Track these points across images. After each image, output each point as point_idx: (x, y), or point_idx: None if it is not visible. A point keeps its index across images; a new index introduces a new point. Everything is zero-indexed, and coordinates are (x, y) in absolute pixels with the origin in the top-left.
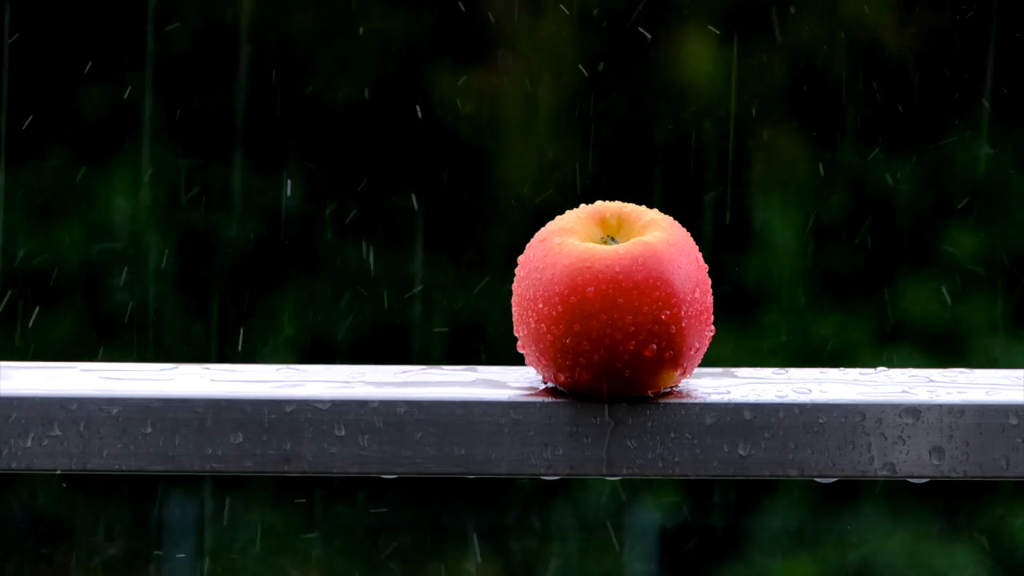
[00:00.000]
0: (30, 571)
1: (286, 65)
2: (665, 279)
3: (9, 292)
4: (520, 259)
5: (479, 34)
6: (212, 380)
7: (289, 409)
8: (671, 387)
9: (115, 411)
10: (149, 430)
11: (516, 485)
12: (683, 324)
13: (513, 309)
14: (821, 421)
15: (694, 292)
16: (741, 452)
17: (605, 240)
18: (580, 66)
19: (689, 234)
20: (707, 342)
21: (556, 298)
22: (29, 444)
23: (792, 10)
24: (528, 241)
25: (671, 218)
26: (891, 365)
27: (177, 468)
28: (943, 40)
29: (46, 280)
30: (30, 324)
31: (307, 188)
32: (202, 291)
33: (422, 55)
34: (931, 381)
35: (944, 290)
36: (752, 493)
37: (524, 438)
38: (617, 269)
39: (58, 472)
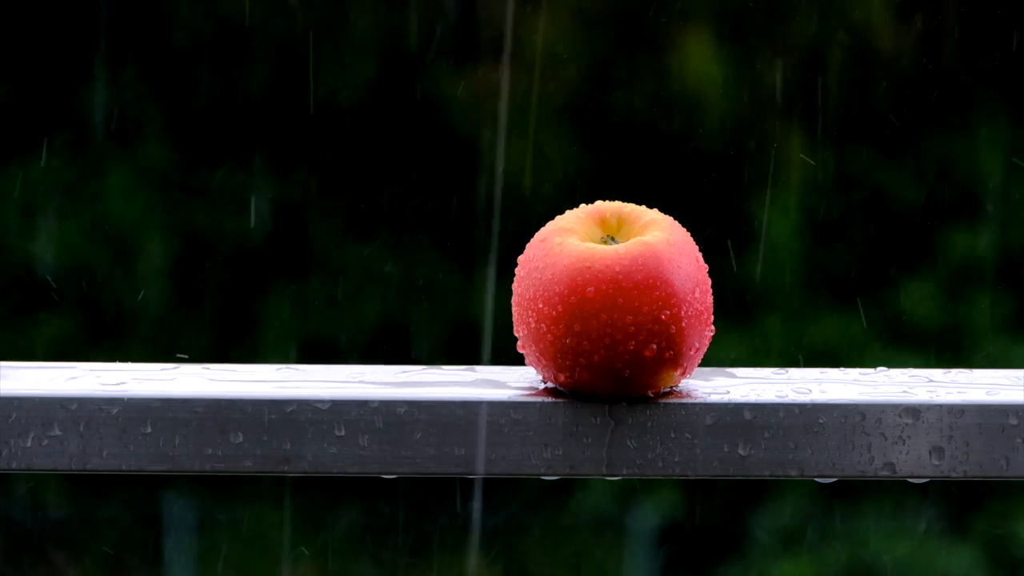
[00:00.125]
0: (30, 571)
1: (287, 65)
2: (665, 279)
3: (9, 292)
4: (520, 259)
5: (479, 34)
6: (212, 380)
7: (289, 409)
8: (671, 387)
9: (115, 411)
10: (149, 430)
11: (516, 485)
12: (683, 324)
13: (513, 309)
14: (821, 421)
15: (694, 292)
16: (741, 452)
17: (605, 240)
18: (580, 66)
19: (689, 234)
20: (707, 342)
21: (556, 298)
22: (29, 444)
23: (792, 10)
24: (528, 241)
25: (671, 218)
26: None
27: (177, 468)
28: (943, 40)
29: (46, 280)
30: (30, 324)
31: (307, 188)
32: (202, 291)
33: (422, 55)
34: (931, 381)
35: (944, 290)
36: (752, 493)
37: (524, 438)
38: (617, 269)
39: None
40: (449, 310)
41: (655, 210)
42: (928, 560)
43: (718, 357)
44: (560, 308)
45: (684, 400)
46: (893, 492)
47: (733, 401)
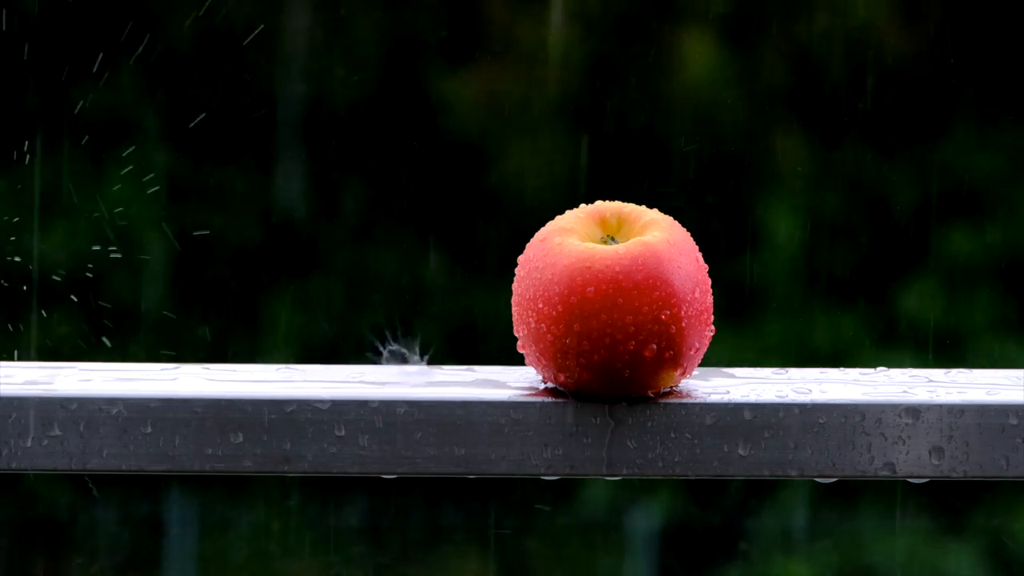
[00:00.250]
0: (30, 571)
1: (287, 64)
2: (665, 279)
3: (9, 292)
4: (520, 259)
5: (479, 34)
6: (212, 380)
7: (289, 409)
8: (671, 387)
9: (115, 411)
10: (149, 430)
11: (516, 485)
12: (683, 324)
13: (513, 309)
14: (821, 421)
15: (694, 292)
16: (741, 452)
17: (605, 240)
18: (581, 66)
19: (689, 234)
20: (707, 342)
21: (556, 298)
22: (29, 444)
23: (792, 10)
24: (528, 241)
25: (671, 218)
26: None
27: (177, 468)
28: (944, 40)
29: (46, 280)
30: (30, 324)
31: (307, 188)
32: (202, 291)
33: (422, 54)
34: (931, 381)
35: (944, 290)
36: (752, 493)
37: (524, 438)
38: (617, 269)
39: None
40: (449, 310)
41: (655, 210)
42: (928, 560)
43: (718, 357)
44: (560, 308)
45: (684, 400)
46: (893, 492)
47: (733, 401)
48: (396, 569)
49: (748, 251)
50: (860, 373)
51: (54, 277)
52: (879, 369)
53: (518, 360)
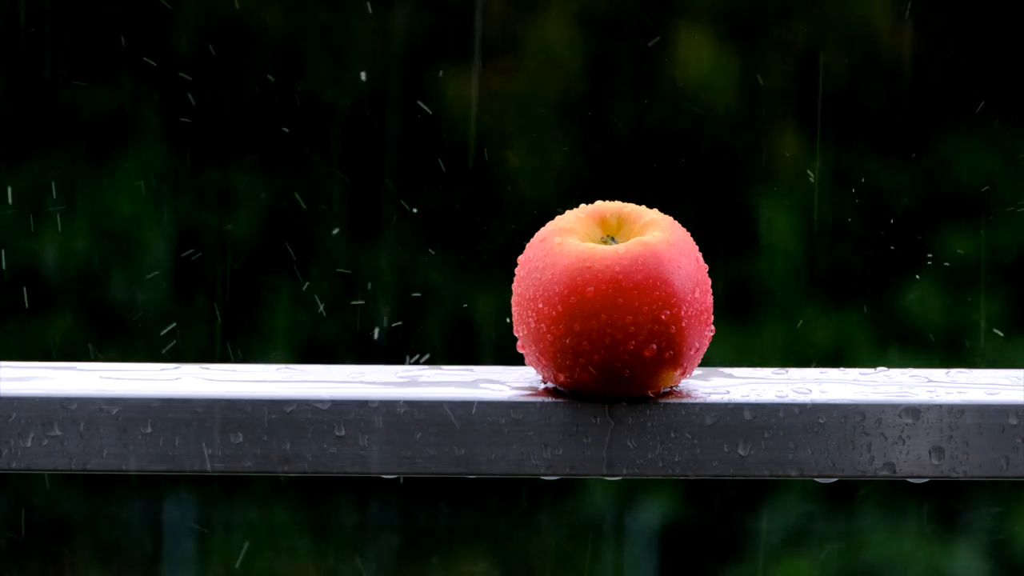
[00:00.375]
0: (30, 571)
1: (286, 64)
2: (665, 279)
3: (9, 292)
4: (520, 259)
5: (479, 34)
6: (212, 380)
7: (289, 409)
8: (671, 387)
9: (115, 411)
10: (149, 430)
11: (515, 485)
12: (683, 324)
13: (513, 309)
14: (821, 421)
15: (694, 292)
16: (741, 452)
17: (605, 240)
18: (580, 66)
19: (689, 234)
20: (707, 342)
21: (556, 298)
22: (29, 444)
23: (792, 10)
24: (528, 241)
25: (671, 218)
26: (891, 365)
27: (177, 468)
28: (943, 40)
29: (46, 280)
30: (29, 324)
31: (307, 188)
32: (202, 291)
33: (422, 54)
34: (931, 381)
35: (944, 290)
36: (752, 493)
37: (524, 438)
38: (617, 269)
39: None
40: (449, 310)
41: (655, 210)
42: (928, 560)
43: (718, 357)
44: (560, 308)
45: (684, 400)
46: (893, 492)
47: (733, 401)
48: (397, 569)
49: (748, 251)
50: (860, 373)
51: (54, 277)
52: (879, 369)
53: (518, 360)
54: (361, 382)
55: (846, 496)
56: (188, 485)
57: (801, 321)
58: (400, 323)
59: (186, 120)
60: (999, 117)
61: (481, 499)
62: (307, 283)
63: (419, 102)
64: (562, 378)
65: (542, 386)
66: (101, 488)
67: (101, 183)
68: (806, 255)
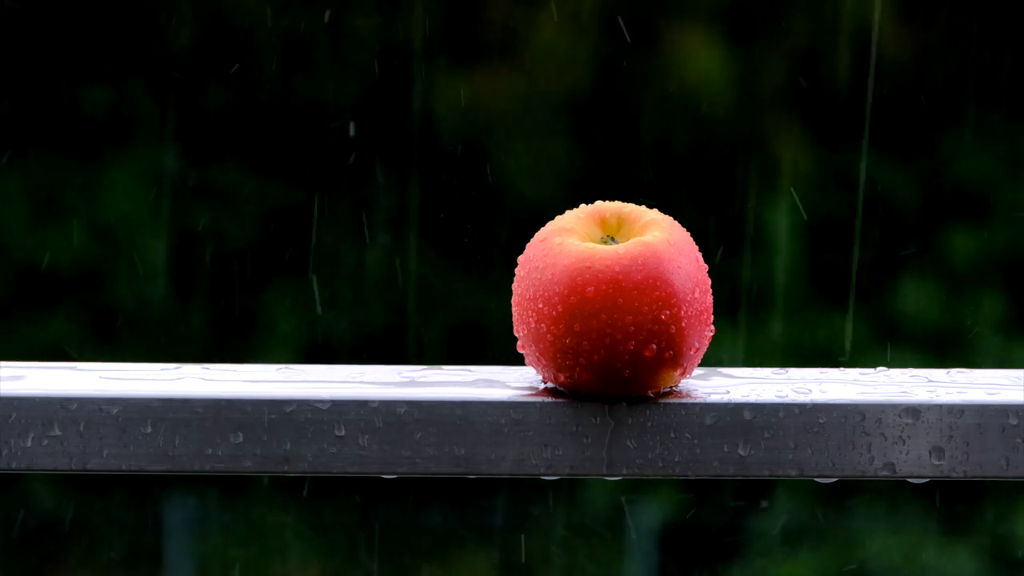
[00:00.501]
0: (30, 571)
1: (286, 64)
2: (665, 279)
3: (9, 292)
4: (520, 259)
5: (479, 34)
6: (212, 380)
7: (289, 409)
8: (671, 387)
9: (115, 411)
10: (149, 430)
11: (516, 485)
12: (683, 324)
13: (513, 309)
14: (821, 421)
15: (694, 292)
16: (741, 452)
17: (605, 240)
18: (580, 65)
19: (689, 234)
20: (707, 342)
21: (556, 298)
22: (29, 444)
23: (793, 10)
24: (528, 241)
25: (671, 218)
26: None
27: (177, 468)
28: (943, 41)
29: (45, 280)
30: (31, 324)
31: (306, 188)
32: (202, 291)
33: (422, 54)
34: (931, 381)
35: (944, 290)
36: (752, 493)
37: (524, 438)
38: (617, 269)
39: (58, 472)
40: (449, 310)
41: (655, 210)
42: (928, 560)
43: (718, 357)
44: (560, 308)
45: (684, 400)
46: (892, 492)
47: (733, 401)
48: (397, 569)
49: (748, 251)
50: (860, 373)
51: (54, 277)
52: (879, 369)
53: (518, 360)
54: (361, 382)
55: (846, 496)
56: (188, 485)
57: (801, 321)
58: (400, 323)
59: (186, 120)
60: (1000, 117)
61: (480, 499)
62: (307, 283)
63: (419, 102)
64: (562, 378)
65: (542, 386)
66: (101, 488)
67: (101, 182)
68: (806, 255)
